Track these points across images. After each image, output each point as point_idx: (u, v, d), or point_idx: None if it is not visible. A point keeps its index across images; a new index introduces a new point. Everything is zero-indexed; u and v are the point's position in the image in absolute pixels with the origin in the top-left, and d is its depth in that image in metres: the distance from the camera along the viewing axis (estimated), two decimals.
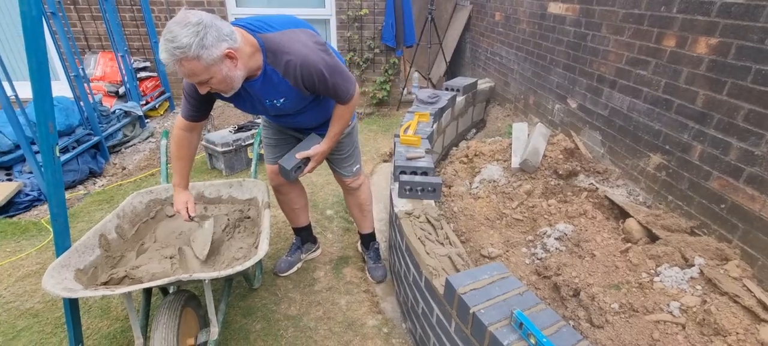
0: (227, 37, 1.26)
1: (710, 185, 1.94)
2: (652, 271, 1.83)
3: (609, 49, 2.58)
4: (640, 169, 2.39)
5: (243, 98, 1.55)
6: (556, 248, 2.10)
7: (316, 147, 1.71)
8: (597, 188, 2.46)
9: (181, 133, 1.63)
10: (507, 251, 2.15)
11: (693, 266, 1.77)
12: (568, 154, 2.74)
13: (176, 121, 1.63)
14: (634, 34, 2.37)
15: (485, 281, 1.35)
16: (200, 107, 1.58)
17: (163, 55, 1.20)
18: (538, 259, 2.09)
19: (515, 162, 2.73)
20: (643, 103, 2.33)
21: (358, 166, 2.03)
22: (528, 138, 2.99)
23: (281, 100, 1.52)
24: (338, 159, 1.97)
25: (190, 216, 1.69)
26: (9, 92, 2.56)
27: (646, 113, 2.32)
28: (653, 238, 2.04)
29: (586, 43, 2.82)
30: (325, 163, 1.95)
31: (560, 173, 2.60)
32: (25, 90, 2.84)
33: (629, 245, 2.01)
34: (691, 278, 1.73)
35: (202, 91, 1.35)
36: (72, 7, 4.39)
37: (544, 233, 2.22)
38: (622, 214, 2.27)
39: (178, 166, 1.69)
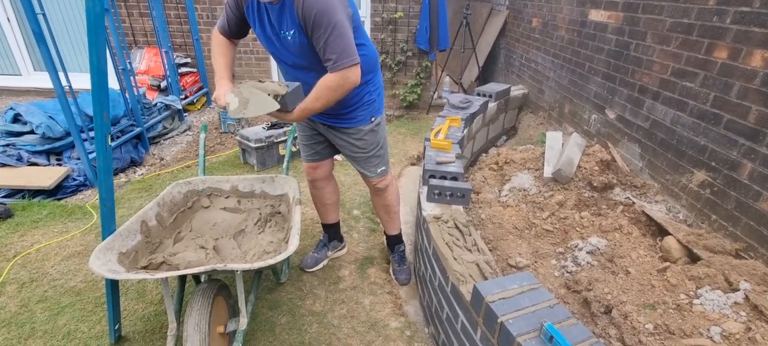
0: None
1: (760, 206, 1.82)
2: (692, 293, 1.73)
3: (653, 59, 2.48)
4: (681, 186, 2.28)
5: (264, 21, 1.57)
6: (588, 262, 2.03)
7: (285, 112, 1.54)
8: (634, 203, 2.37)
9: (219, 37, 1.72)
10: (535, 262, 2.10)
11: (737, 290, 1.67)
12: (604, 167, 2.65)
13: (214, 32, 1.74)
14: (682, 45, 2.27)
15: (514, 290, 1.32)
16: (235, 25, 1.67)
17: None
18: (568, 272, 2.03)
19: (548, 171, 2.66)
20: (688, 116, 2.23)
21: (383, 167, 1.99)
22: (562, 147, 2.91)
23: (290, 33, 1.51)
24: (361, 158, 1.92)
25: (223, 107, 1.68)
26: (64, 83, 2.73)
27: (691, 127, 2.21)
28: (694, 258, 1.94)
29: (628, 52, 2.71)
30: (353, 172, 1.94)
31: (595, 185, 2.52)
32: (76, 81, 3.04)
33: (667, 264, 1.92)
34: (735, 303, 1.63)
35: None
36: (123, 4, 4.64)
37: (576, 246, 2.15)
38: (661, 231, 2.17)
39: (219, 62, 1.71)
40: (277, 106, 1.43)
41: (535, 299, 1.30)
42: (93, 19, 1.18)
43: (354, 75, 1.51)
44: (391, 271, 2.30)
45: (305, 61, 1.60)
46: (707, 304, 1.66)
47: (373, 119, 1.85)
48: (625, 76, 2.74)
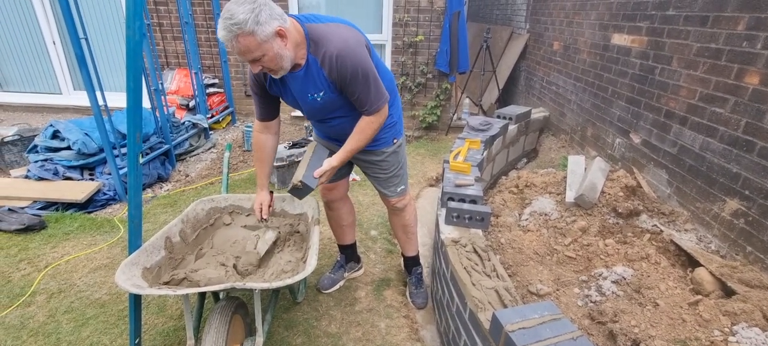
0: (279, 16, 1.36)
1: None
2: (727, 329, 1.64)
3: (680, 84, 2.43)
4: (713, 215, 2.18)
5: (288, 90, 1.62)
6: (613, 292, 1.95)
7: (329, 160, 1.68)
8: (662, 231, 2.28)
9: (257, 136, 1.81)
10: (557, 290, 2.04)
11: None
12: (630, 192, 2.57)
13: (253, 127, 1.81)
14: (710, 70, 2.21)
15: (535, 320, 1.28)
16: (267, 106, 1.73)
17: (220, 33, 1.30)
18: (591, 302, 1.95)
19: (570, 196, 2.60)
20: (718, 142, 2.15)
21: (403, 186, 2.01)
22: (585, 172, 2.85)
23: (320, 95, 1.56)
24: (382, 178, 1.95)
25: (262, 218, 1.83)
26: (100, 102, 2.88)
27: (721, 154, 2.13)
28: (728, 292, 1.84)
29: (653, 76, 2.66)
30: (370, 182, 1.97)
31: (620, 211, 2.44)
32: (111, 100, 3.20)
33: (699, 297, 1.82)
34: None
35: (255, 69, 1.43)
36: (158, 28, 4.91)
37: (600, 275, 2.08)
38: (691, 262, 2.08)
39: (258, 168, 1.86)
40: (293, 183, 1.65)
41: (558, 330, 1.25)
42: (132, 46, 1.25)
43: (386, 111, 1.64)
44: (407, 293, 2.27)
45: (337, 112, 1.69)
46: (744, 342, 1.56)
47: (395, 141, 1.88)
48: (651, 101, 2.68)
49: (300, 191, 1.68)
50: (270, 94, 1.69)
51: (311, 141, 1.96)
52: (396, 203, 2.03)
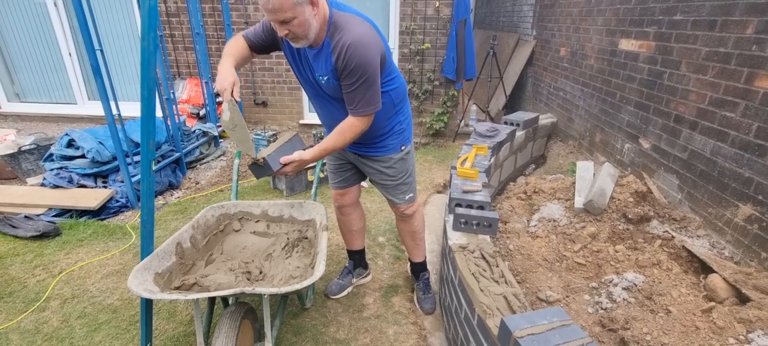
0: None
1: None
2: (742, 337, 1.60)
3: (689, 89, 2.41)
4: (725, 220, 2.15)
5: (301, 63, 1.63)
6: (624, 299, 1.93)
7: (300, 153, 1.63)
8: (673, 237, 2.25)
9: (238, 39, 1.69)
10: (567, 297, 2.02)
11: None
12: (640, 198, 2.54)
13: (237, 35, 1.72)
14: (719, 74, 2.20)
15: (544, 326, 1.27)
16: (260, 43, 1.68)
17: None
18: (602, 309, 1.93)
19: (579, 202, 2.59)
20: (730, 147, 2.12)
21: (411, 194, 2.02)
22: (594, 177, 2.83)
23: (325, 79, 1.57)
24: (390, 185, 1.96)
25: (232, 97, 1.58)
26: (114, 111, 2.95)
27: (733, 159, 2.10)
28: (743, 299, 1.80)
29: (662, 81, 2.65)
30: (377, 190, 1.98)
31: (630, 217, 2.41)
32: (124, 109, 3.27)
33: (713, 304, 1.79)
34: None
35: (281, 32, 1.42)
36: (170, 39, 5.02)
37: (610, 281, 2.05)
38: (704, 268, 2.04)
39: (230, 50, 1.66)
40: (253, 157, 1.57)
41: (567, 337, 1.24)
42: (146, 57, 1.29)
43: (367, 122, 1.61)
44: (415, 299, 2.27)
45: (337, 101, 1.68)
46: None
47: (403, 148, 1.89)
48: (660, 106, 2.66)
49: (260, 169, 1.59)
50: (273, 43, 1.67)
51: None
52: (404, 210, 2.04)
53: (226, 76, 1.53)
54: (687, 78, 2.43)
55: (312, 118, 5.37)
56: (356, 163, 1.99)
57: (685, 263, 2.13)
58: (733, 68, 2.11)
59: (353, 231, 2.24)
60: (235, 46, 1.67)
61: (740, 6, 2.07)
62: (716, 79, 2.21)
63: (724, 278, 1.87)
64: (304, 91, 1.81)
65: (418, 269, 2.27)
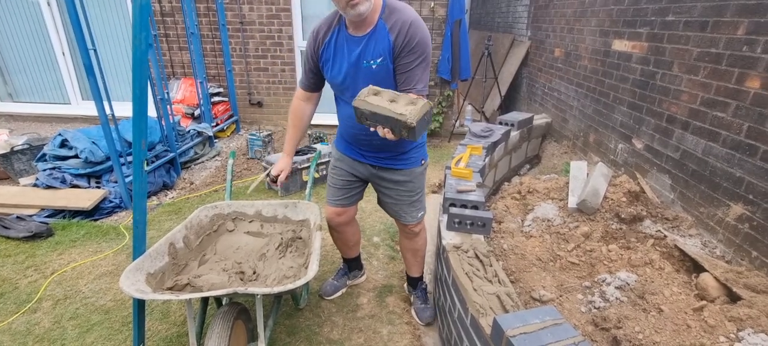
0: None
1: None
2: (733, 335, 1.62)
3: (681, 89, 2.43)
4: (717, 219, 2.17)
5: (341, 55, 1.62)
6: (617, 298, 1.94)
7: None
8: (665, 236, 2.26)
9: (297, 103, 1.87)
10: (560, 296, 2.03)
11: None
12: (633, 198, 2.56)
13: (295, 93, 1.88)
14: (710, 74, 2.22)
15: (536, 325, 1.28)
16: (314, 78, 1.77)
17: None
18: (595, 308, 1.94)
19: (572, 202, 2.60)
20: (721, 147, 2.14)
21: (423, 212, 1.97)
22: (587, 177, 2.84)
23: (377, 61, 1.55)
24: (406, 201, 1.88)
25: (273, 179, 1.91)
26: (107, 111, 2.93)
27: (725, 158, 2.12)
28: (734, 298, 1.82)
29: (654, 81, 2.67)
30: (375, 198, 1.96)
31: (623, 216, 2.43)
32: (118, 109, 3.26)
33: (704, 302, 1.80)
34: None
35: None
36: (164, 39, 4.99)
37: (603, 281, 2.07)
38: (696, 267, 2.06)
39: (289, 133, 1.92)
40: (407, 121, 1.34)
41: (559, 336, 1.25)
42: (138, 56, 1.29)
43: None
44: (413, 311, 2.20)
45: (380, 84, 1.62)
46: None
47: (423, 162, 1.87)
48: (652, 106, 2.68)
49: (413, 131, 1.34)
50: (319, 69, 1.73)
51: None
52: (413, 227, 1.97)
53: (277, 165, 1.93)
54: (679, 78, 2.45)
55: None
56: (371, 178, 1.90)
57: (677, 262, 2.14)
58: (724, 69, 2.13)
59: (350, 246, 2.21)
60: (293, 118, 1.89)
61: (732, 7, 2.09)
62: (708, 80, 2.23)
63: (715, 277, 1.89)
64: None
65: (415, 280, 2.24)
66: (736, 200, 2.05)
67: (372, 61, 1.56)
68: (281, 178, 1.91)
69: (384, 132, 1.39)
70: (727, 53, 2.11)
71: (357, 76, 1.61)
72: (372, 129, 1.43)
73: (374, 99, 1.40)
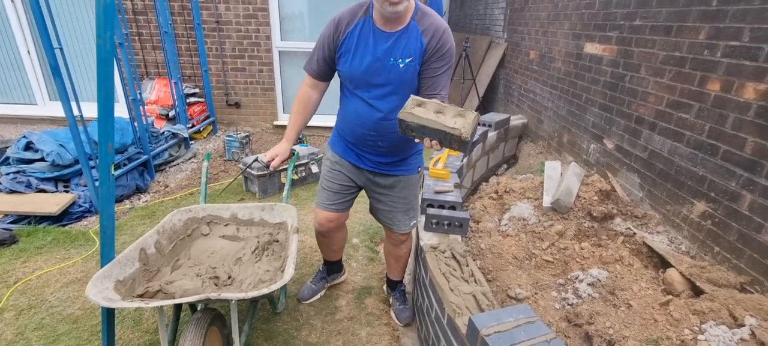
0: None
1: (763, 239, 1.80)
2: (696, 328, 1.69)
3: (648, 91, 2.52)
4: (682, 216, 2.26)
5: (365, 49, 1.57)
6: (589, 295, 2.00)
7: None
8: (634, 233, 2.35)
9: (305, 89, 1.81)
10: (535, 294, 2.07)
11: (743, 326, 1.63)
12: (604, 196, 2.64)
13: (303, 80, 1.81)
14: (675, 77, 2.31)
15: (510, 323, 1.30)
16: (326, 67, 1.72)
17: None
18: (568, 304, 1.99)
19: (547, 201, 2.66)
20: (685, 146, 2.24)
21: (415, 220, 1.96)
22: (561, 177, 2.92)
23: (406, 61, 1.54)
24: (401, 209, 1.87)
25: (267, 164, 1.85)
26: (76, 112, 2.82)
27: (689, 158, 2.21)
28: (697, 291, 1.90)
29: (624, 83, 2.76)
30: (366, 208, 1.94)
31: (594, 215, 2.50)
32: (87, 110, 3.14)
33: (670, 297, 1.88)
34: (741, 339, 1.58)
35: None
36: (137, 38, 4.84)
37: (576, 278, 2.12)
38: (663, 263, 2.14)
39: (292, 120, 1.85)
40: (458, 133, 1.34)
41: (532, 333, 1.28)
42: (103, 56, 1.25)
43: None
44: (392, 312, 2.21)
45: (396, 87, 1.61)
46: (712, 340, 1.61)
47: (419, 169, 1.88)
48: (622, 107, 2.78)
49: (464, 144, 1.34)
50: (333, 59, 1.67)
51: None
52: (402, 236, 1.96)
53: (272, 149, 1.86)
54: (646, 81, 2.54)
55: (286, 119, 5.30)
56: (366, 184, 1.88)
57: (646, 259, 2.22)
58: (687, 72, 2.22)
59: (334, 249, 2.20)
60: (298, 102, 1.83)
61: (693, 13, 2.19)
62: (673, 82, 2.33)
63: (680, 272, 1.97)
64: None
65: (395, 283, 2.24)
66: (699, 197, 2.14)
67: (400, 60, 1.55)
68: (275, 162, 1.84)
69: (431, 144, 1.40)
70: (690, 57, 2.20)
71: (380, 71, 1.58)
72: (417, 140, 1.43)
73: (420, 111, 1.38)
